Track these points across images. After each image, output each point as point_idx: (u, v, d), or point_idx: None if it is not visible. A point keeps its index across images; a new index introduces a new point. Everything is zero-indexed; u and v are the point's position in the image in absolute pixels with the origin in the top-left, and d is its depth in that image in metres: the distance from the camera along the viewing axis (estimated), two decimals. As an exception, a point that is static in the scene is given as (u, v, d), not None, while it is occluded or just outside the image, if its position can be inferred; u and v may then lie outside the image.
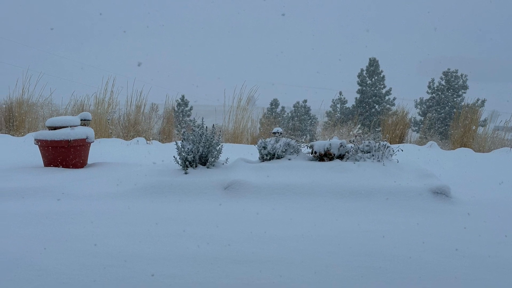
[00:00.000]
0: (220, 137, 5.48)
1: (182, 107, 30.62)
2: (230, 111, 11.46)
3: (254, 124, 11.66)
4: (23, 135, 10.43)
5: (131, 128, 11.04)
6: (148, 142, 10.16)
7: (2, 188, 4.75)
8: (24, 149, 7.76)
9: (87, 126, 6.46)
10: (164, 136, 11.52)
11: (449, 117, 29.37)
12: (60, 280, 2.65)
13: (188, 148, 5.28)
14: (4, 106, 11.42)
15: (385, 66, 34.81)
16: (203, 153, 5.32)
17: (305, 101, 33.37)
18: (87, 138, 6.09)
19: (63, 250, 3.12)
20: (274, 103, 33.73)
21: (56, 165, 5.98)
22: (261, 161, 5.69)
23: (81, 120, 6.36)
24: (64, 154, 5.92)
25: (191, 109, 30.90)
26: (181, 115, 29.48)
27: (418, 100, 33.86)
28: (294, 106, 33.86)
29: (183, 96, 30.21)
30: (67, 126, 6.02)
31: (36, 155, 6.47)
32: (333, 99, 34.54)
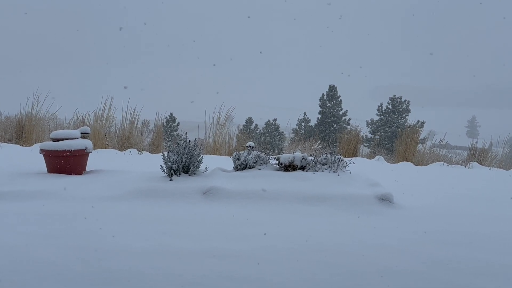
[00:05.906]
0: (200, 149, 5.47)
1: (171, 123, 30.48)
2: (211, 127, 11.46)
3: (231, 139, 11.68)
4: (30, 146, 10.20)
5: (125, 141, 10.91)
6: (139, 152, 10.05)
7: (8, 191, 4.64)
8: (31, 157, 7.59)
9: (87, 138, 6.37)
10: (154, 148, 11.39)
11: (394, 135, 29.89)
12: (56, 271, 2.60)
13: (173, 159, 5.24)
14: (14, 119, 11.22)
15: (342, 91, 35.34)
16: (186, 163, 5.30)
17: (275, 119, 33.62)
18: (86, 148, 6.00)
19: (61, 245, 3.06)
20: (249, 121, 33.85)
21: (58, 172, 5.86)
22: (235, 171, 5.69)
23: (81, 133, 6.27)
24: (66, 162, 5.81)
25: (178, 124, 30.82)
26: (169, 130, 29.29)
27: (369, 121, 34.49)
28: (265, 124, 34.07)
29: (171, 114, 30.21)
30: (69, 138, 5.93)
31: (41, 163, 6.32)
32: (298, 119, 34.88)
